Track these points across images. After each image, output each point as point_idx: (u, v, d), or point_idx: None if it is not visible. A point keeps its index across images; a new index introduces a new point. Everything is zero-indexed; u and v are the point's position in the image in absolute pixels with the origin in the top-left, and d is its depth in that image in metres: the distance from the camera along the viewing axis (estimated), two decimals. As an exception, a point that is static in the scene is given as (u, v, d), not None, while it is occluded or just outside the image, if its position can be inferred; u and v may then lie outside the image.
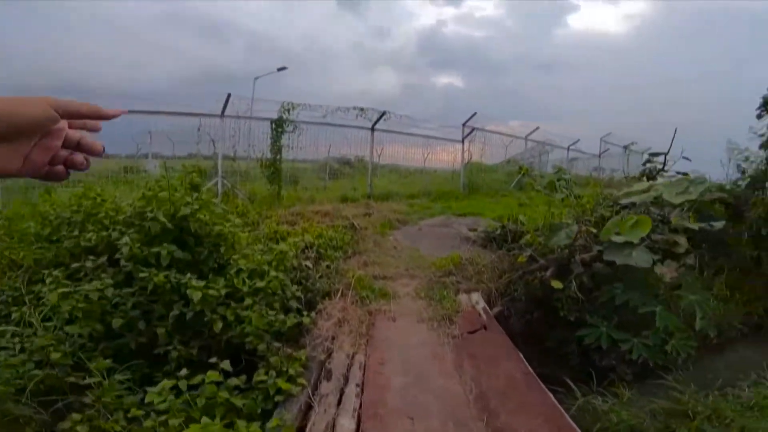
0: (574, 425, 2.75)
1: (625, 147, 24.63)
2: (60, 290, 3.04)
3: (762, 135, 6.65)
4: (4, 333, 2.83)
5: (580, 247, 4.21)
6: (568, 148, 18.99)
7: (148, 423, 2.35)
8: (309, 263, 5.61)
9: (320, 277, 5.27)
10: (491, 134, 13.94)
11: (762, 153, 6.74)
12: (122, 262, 3.45)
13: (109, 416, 2.43)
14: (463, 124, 12.67)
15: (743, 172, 6.70)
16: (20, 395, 2.39)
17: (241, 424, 2.41)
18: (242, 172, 9.37)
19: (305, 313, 4.55)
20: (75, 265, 3.63)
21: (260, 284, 3.82)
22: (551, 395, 3.12)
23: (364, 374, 3.43)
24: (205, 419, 2.33)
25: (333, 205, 8.64)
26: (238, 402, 2.66)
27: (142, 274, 3.26)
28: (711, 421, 3.09)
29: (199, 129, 8.57)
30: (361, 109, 9.72)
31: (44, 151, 0.60)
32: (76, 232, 4.01)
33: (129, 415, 2.41)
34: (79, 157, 0.65)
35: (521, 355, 3.61)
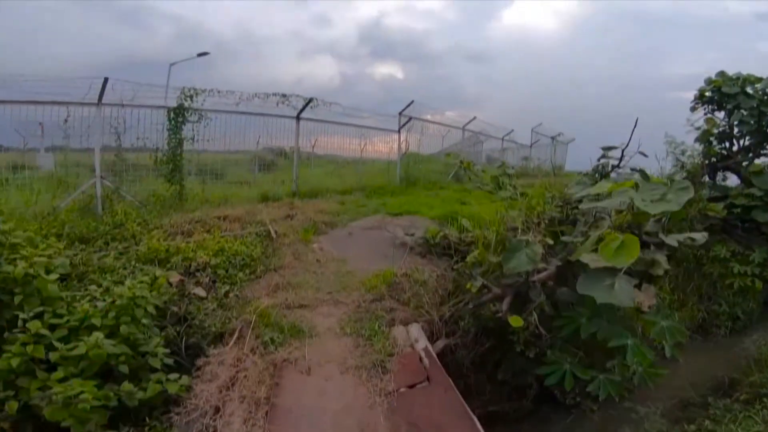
0: None
1: (553, 138, 25.66)
2: None
3: (698, 128, 6.45)
4: None
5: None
6: (503, 139, 18.96)
7: None
8: (201, 291, 4.26)
9: (214, 309, 3.97)
10: (428, 124, 13.14)
11: (698, 146, 6.58)
12: None
13: None
14: (400, 113, 11.68)
15: (682, 166, 6.47)
16: None
17: None
18: (134, 169, 7.51)
19: (190, 370, 3.29)
20: None
21: (80, 350, 2.48)
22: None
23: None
24: None
25: (248, 207, 7.20)
26: None
27: None
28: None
29: (66, 120, 6.56)
30: (283, 96, 8.26)
31: None
32: None
33: None
34: None
35: (476, 422, 2.68)
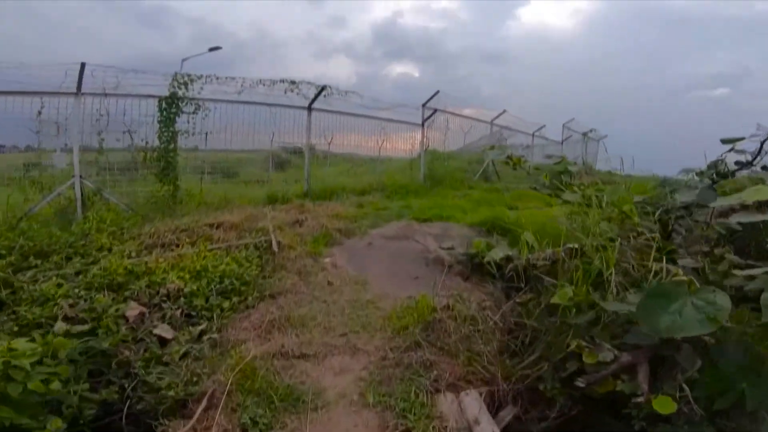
0: None
1: (584, 134, 23.85)
2: None
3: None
4: None
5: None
6: (533, 135, 17.43)
7: None
8: (167, 330, 3.11)
9: (180, 359, 2.81)
10: (453, 118, 11.82)
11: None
12: None
13: None
14: (424, 105, 10.42)
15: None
16: None
17: None
18: (123, 167, 6.50)
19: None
20: None
21: None
22: None
23: None
24: None
25: (251, 211, 6.08)
26: None
27: None
28: None
29: (39, 113, 5.56)
30: (292, 83, 7.11)
31: None
32: None
33: None
34: None
35: None
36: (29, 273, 3.66)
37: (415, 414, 2.36)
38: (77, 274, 3.66)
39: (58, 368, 2.16)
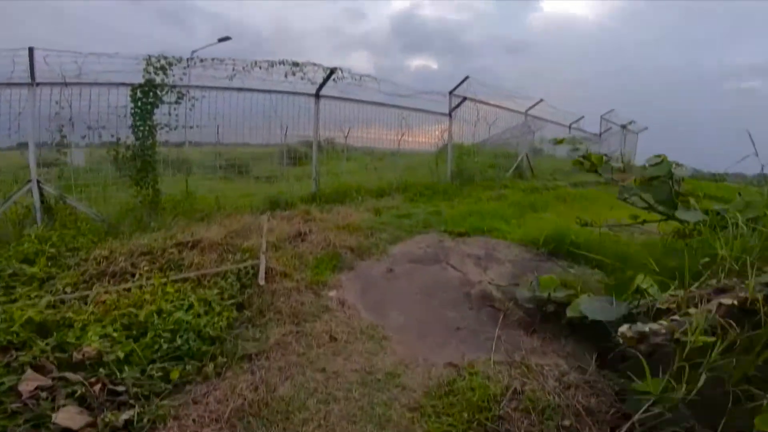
0: None
1: (623, 126, 21.87)
2: None
3: None
4: None
5: None
6: (570, 126, 15.79)
7: None
8: (74, 416, 1.99)
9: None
10: (484, 107, 10.43)
11: None
12: None
13: None
14: (451, 92, 9.12)
15: None
16: None
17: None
18: (93, 168, 5.50)
19: None
20: None
21: None
22: None
23: None
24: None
25: (244, 221, 4.99)
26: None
27: None
28: None
29: None
30: (295, 65, 5.94)
31: None
32: None
33: None
34: None
35: None
36: None
37: None
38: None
39: None
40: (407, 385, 2.29)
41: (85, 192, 5.12)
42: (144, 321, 2.53)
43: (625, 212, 8.32)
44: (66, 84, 4.75)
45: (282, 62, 5.74)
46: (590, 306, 2.36)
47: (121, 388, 2.18)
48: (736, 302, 1.72)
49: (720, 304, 1.74)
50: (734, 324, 1.67)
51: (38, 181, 4.74)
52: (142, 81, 5.00)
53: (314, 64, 5.96)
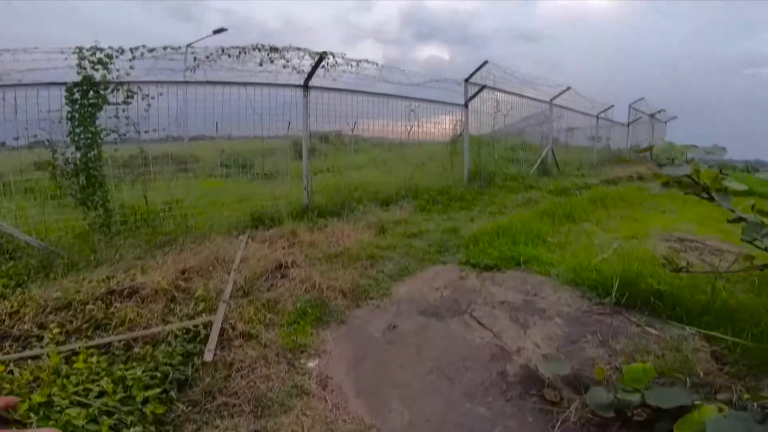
0: None
1: (652, 115, 20.34)
2: None
3: None
4: None
5: None
6: (597, 116, 14.45)
7: None
8: None
9: None
10: (504, 96, 9.23)
11: None
12: None
13: None
14: (467, 80, 7.97)
15: None
16: None
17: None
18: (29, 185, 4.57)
19: None
20: None
21: None
22: None
23: None
24: None
25: (212, 249, 4.03)
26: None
27: None
28: None
29: None
30: (274, 50, 4.86)
31: None
32: None
33: None
34: None
35: None
36: None
37: None
38: None
39: None
40: None
41: (22, 212, 4.21)
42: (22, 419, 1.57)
43: (684, 218, 7.17)
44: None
45: (257, 48, 4.68)
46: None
47: None
48: None
49: None
50: None
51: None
52: (78, 79, 4.01)
53: (299, 49, 4.89)
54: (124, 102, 4.18)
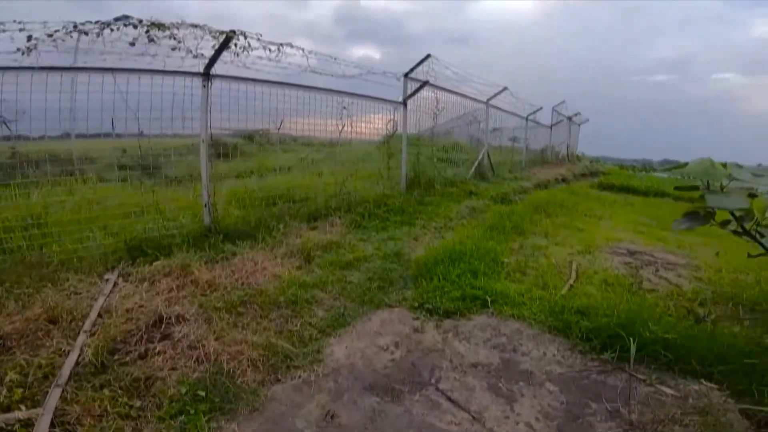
0: None
1: (569, 118, 21.93)
2: None
3: None
4: None
5: None
6: (527, 118, 14.93)
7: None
8: None
9: None
10: (445, 94, 8.81)
11: None
12: None
13: None
14: (406, 75, 7.38)
15: None
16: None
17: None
18: None
19: None
20: None
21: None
22: None
23: None
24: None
25: (65, 293, 2.84)
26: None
27: None
28: None
29: None
30: (158, 27, 3.62)
31: None
32: None
33: None
34: None
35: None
36: None
37: None
38: None
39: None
40: None
41: None
42: None
43: (618, 224, 7.29)
44: None
45: (124, 20, 3.45)
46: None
47: None
48: None
49: None
50: None
51: None
52: None
53: (196, 27, 3.77)
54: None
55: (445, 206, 6.52)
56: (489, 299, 2.98)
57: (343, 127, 6.71)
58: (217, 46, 4.07)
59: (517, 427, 1.95)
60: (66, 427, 1.86)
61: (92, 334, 2.53)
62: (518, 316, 2.85)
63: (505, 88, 10.71)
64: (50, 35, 3.21)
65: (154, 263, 3.64)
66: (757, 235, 1.57)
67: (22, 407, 1.95)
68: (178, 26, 3.77)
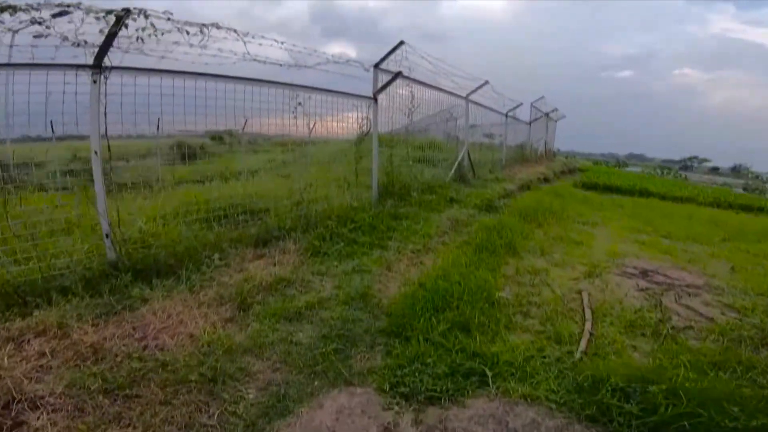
0: None
1: (547, 114, 21.74)
2: None
3: None
4: None
5: None
6: (507, 114, 14.41)
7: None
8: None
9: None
10: (421, 88, 8.05)
11: None
12: None
13: None
14: (377, 66, 6.56)
15: None
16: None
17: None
18: None
19: None
20: None
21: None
22: None
23: None
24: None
25: None
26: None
27: None
28: None
29: None
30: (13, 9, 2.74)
31: None
32: None
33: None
34: None
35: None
36: None
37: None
38: None
39: None
40: None
41: None
42: None
43: (617, 233, 6.72)
44: None
45: None
46: None
47: None
48: None
49: None
50: None
51: None
52: None
53: (68, 5, 2.83)
54: None
55: (423, 219, 5.75)
56: (488, 372, 2.20)
57: (313, 126, 5.84)
58: (107, 31, 3.12)
59: None
60: None
61: None
62: (531, 397, 2.08)
63: (486, 82, 10.08)
64: None
65: (28, 317, 2.70)
66: None
67: None
68: (45, 6, 2.83)
